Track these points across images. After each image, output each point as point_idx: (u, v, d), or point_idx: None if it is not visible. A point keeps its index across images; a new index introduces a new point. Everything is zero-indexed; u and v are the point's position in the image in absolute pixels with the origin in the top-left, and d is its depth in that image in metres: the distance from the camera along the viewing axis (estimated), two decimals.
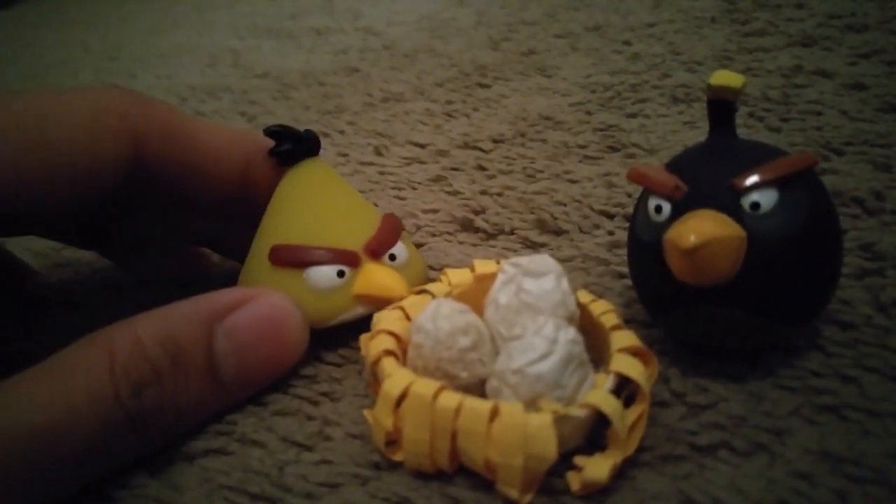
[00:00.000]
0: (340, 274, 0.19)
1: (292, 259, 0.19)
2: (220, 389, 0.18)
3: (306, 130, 0.20)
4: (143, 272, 0.25)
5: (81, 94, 0.18)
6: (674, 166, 0.17)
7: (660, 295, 0.17)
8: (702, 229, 0.15)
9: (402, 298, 0.19)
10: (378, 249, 0.20)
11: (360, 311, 0.20)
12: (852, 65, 0.32)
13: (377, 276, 0.19)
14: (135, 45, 0.62)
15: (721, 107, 0.16)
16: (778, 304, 0.15)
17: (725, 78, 0.15)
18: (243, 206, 0.21)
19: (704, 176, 0.16)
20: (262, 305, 0.18)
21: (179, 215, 0.23)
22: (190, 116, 0.20)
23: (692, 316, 0.16)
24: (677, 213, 0.16)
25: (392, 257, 0.20)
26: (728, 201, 0.15)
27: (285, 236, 0.20)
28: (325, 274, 0.19)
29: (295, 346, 0.19)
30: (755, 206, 0.15)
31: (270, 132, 0.20)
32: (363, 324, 0.21)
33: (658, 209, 0.16)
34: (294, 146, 0.20)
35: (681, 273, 0.15)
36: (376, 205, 0.28)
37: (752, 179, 0.15)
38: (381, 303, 0.19)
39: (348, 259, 0.19)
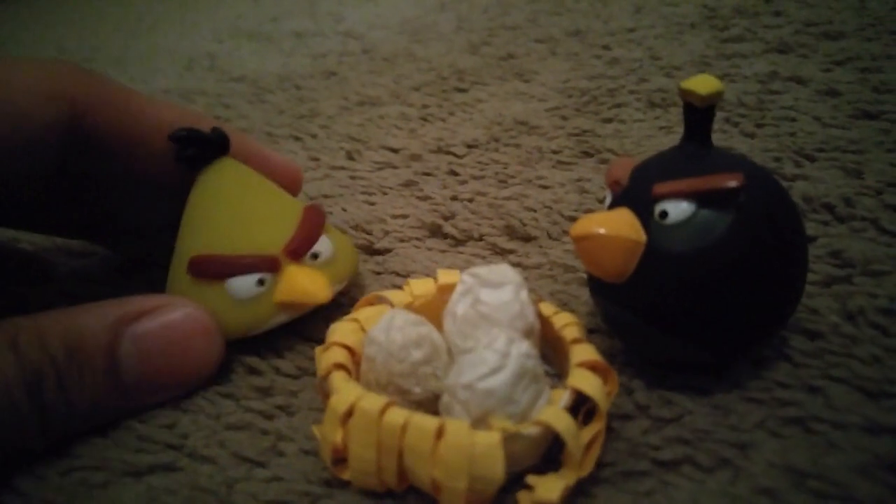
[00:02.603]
0: (261, 282, 0.19)
1: (210, 271, 0.19)
2: (120, 391, 0.18)
3: (213, 129, 0.20)
4: (131, 254, 0.25)
5: (15, 61, 0.18)
6: (640, 164, 0.17)
7: (589, 279, 0.17)
8: (594, 223, 0.15)
9: (325, 302, 0.18)
10: (298, 250, 0.19)
11: (283, 318, 0.19)
12: (827, 71, 0.31)
13: (297, 282, 0.18)
14: (112, 46, 0.61)
15: (692, 112, 0.15)
16: (672, 319, 0.15)
17: (695, 83, 0.15)
18: None
19: (642, 178, 0.16)
20: (174, 315, 0.18)
21: (141, 195, 0.22)
22: (137, 92, 0.20)
23: (602, 307, 0.17)
24: (612, 206, 0.16)
25: (315, 256, 0.19)
26: (642, 206, 0.15)
27: (203, 246, 0.19)
28: (244, 284, 0.18)
29: (205, 359, 0.19)
30: (663, 214, 0.15)
31: (174, 137, 0.19)
32: (323, 334, 0.20)
33: (605, 199, 0.17)
34: (200, 149, 0.19)
35: (580, 260, 0.16)
36: (343, 209, 0.27)
37: (664, 189, 0.15)
38: (304, 308, 0.19)
39: (267, 265, 0.19)
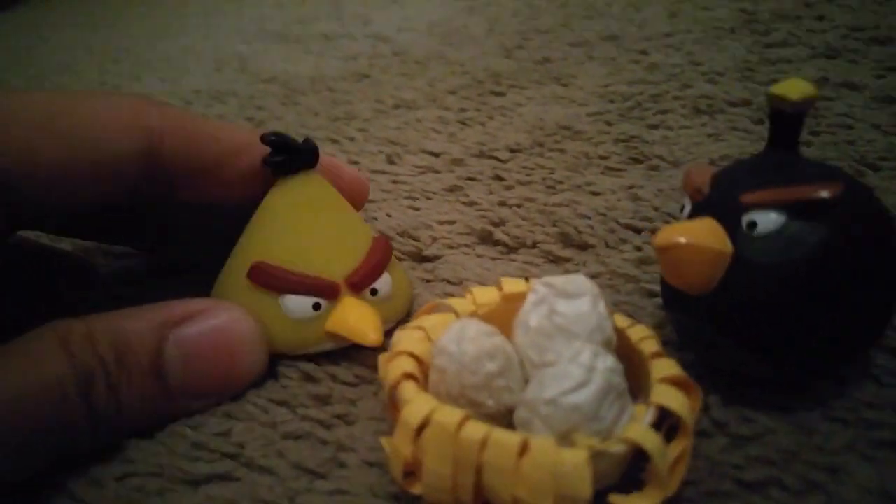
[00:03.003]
0: (316, 306, 0.19)
1: (270, 282, 0.19)
2: (166, 395, 0.18)
3: (306, 140, 0.19)
4: (175, 259, 0.26)
5: (92, 93, 0.19)
6: (720, 171, 0.16)
7: (664, 291, 0.17)
8: (678, 232, 0.14)
9: (374, 345, 0.18)
10: (360, 283, 0.19)
11: (329, 345, 0.19)
12: (880, 77, 0.31)
13: (351, 318, 0.18)
14: (140, 48, 0.61)
15: (781, 118, 0.15)
16: (758, 334, 0.14)
17: (786, 88, 0.14)
18: None
19: (727, 186, 0.15)
20: (219, 320, 0.18)
21: (207, 216, 0.22)
22: (209, 119, 0.20)
23: (679, 319, 0.16)
24: (693, 214, 0.16)
25: (374, 291, 0.19)
26: (728, 215, 0.15)
27: (267, 254, 0.19)
28: (300, 304, 0.18)
29: (248, 365, 0.19)
30: (752, 225, 0.14)
31: (267, 140, 0.19)
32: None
33: (683, 207, 0.16)
34: (289, 157, 0.19)
35: (662, 270, 0.15)
36: (388, 214, 0.27)
37: (753, 198, 0.14)
38: (352, 343, 0.19)
39: (327, 291, 0.19)
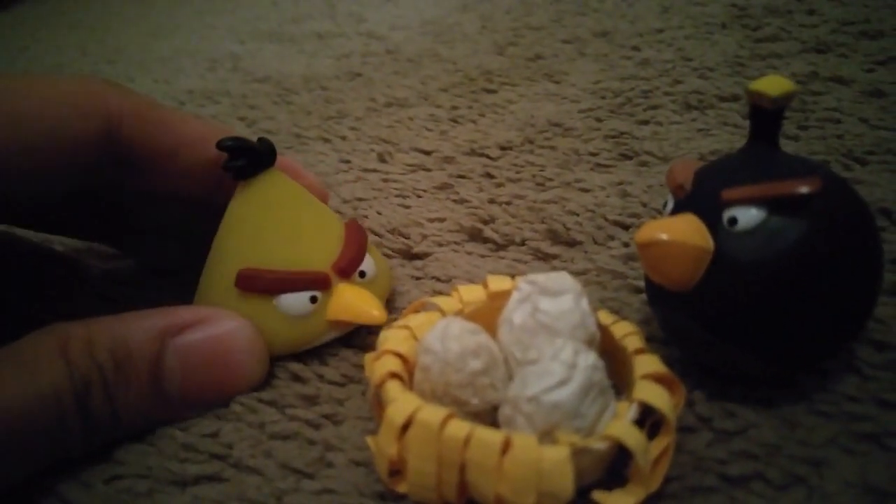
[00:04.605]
0: (313, 299, 0.19)
1: (263, 286, 0.19)
2: (164, 403, 0.18)
3: (260, 139, 0.19)
4: (155, 260, 0.26)
5: (51, 76, 0.18)
6: (702, 167, 0.16)
7: (647, 287, 0.17)
8: (659, 229, 0.14)
9: (379, 321, 0.18)
10: (348, 268, 0.19)
11: (333, 335, 0.19)
12: (869, 72, 0.31)
13: (351, 300, 0.19)
14: (133, 48, 0.61)
15: (761, 115, 0.15)
16: (740, 330, 0.14)
17: (765, 84, 0.14)
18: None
19: (709, 182, 0.15)
20: (219, 329, 0.18)
21: (168, 207, 0.22)
22: (169, 107, 0.20)
23: (662, 316, 0.16)
24: (676, 210, 0.16)
25: (362, 274, 0.19)
26: (710, 211, 0.15)
27: (250, 260, 0.19)
28: (297, 300, 0.19)
29: (246, 375, 0.19)
30: (732, 221, 0.14)
31: (224, 146, 0.19)
32: (366, 341, 0.20)
33: (665, 203, 0.16)
34: (248, 160, 0.19)
35: (643, 267, 0.15)
36: (378, 212, 0.27)
37: (734, 194, 0.14)
38: (354, 326, 0.19)
39: (319, 283, 0.19)
